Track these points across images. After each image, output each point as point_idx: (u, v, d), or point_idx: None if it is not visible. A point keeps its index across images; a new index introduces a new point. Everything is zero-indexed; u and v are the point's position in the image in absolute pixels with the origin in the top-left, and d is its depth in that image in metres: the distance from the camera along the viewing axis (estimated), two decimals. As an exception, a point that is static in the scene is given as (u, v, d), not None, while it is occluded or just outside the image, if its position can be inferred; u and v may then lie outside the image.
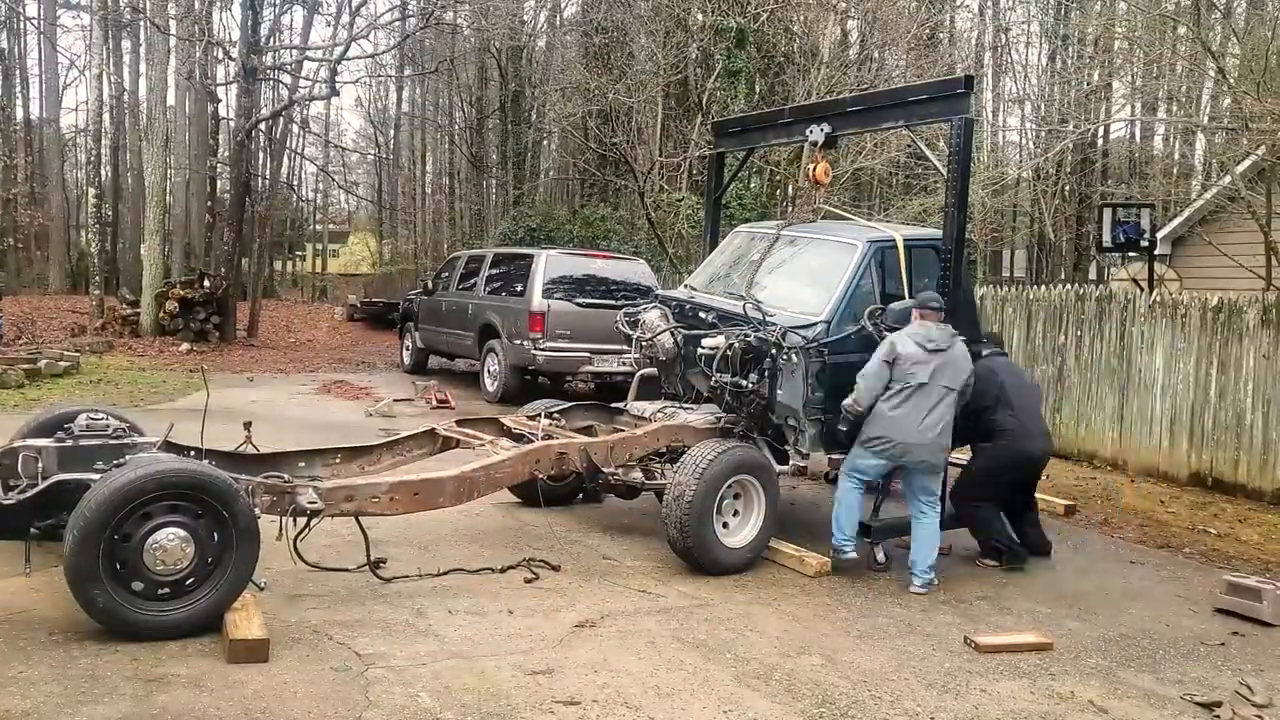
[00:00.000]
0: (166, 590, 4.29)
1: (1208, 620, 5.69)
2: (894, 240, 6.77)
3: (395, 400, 11.62)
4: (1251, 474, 8.77)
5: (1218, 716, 4.34)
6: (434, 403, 11.75)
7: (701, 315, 6.96)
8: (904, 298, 6.49)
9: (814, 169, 7.39)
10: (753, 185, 17.76)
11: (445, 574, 5.48)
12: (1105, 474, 9.73)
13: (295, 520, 4.85)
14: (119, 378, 12.98)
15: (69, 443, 4.89)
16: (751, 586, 5.71)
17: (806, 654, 4.72)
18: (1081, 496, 8.72)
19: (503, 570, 5.61)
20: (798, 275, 7.08)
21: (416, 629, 4.69)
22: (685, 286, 7.75)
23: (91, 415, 5.15)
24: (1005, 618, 5.49)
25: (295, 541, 4.86)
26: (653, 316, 7.11)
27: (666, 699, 4.11)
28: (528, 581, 5.47)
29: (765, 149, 15.38)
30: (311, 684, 4.00)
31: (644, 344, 7.06)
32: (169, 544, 4.25)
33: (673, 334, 6.96)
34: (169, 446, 5.18)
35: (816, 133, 7.24)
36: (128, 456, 4.73)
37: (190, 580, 4.34)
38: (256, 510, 4.65)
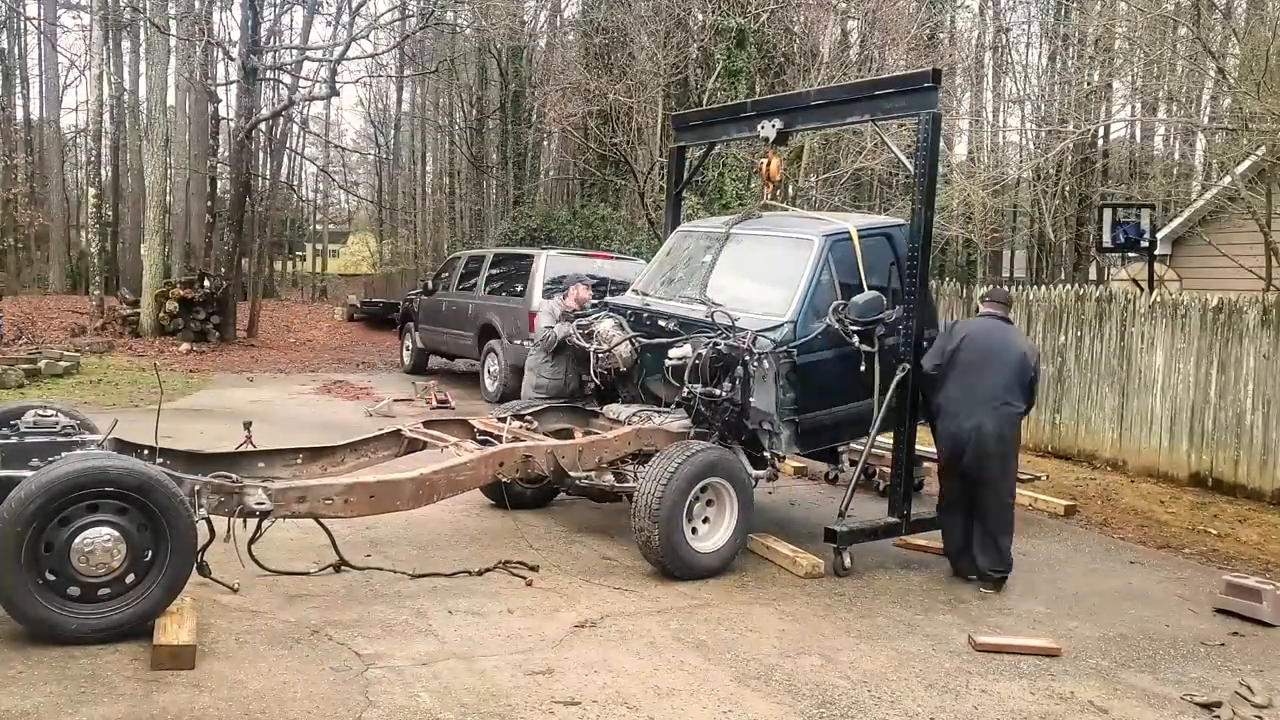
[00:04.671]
0: (79, 591, 4.14)
1: (1208, 620, 5.69)
2: (848, 232, 6.59)
3: (395, 400, 11.62)
4: (1251, 474, 8.76)
5: (1218, 717, 4.34)
6: (434, 403, 11.75)
7: (661, 323, 6.79)
8: (863, 289, 6.31)
9: (767, 165, 7.27)
10: (753, 185, 17.74)
11: (451, 575, 5.47)
12: (1105, 474, 9.72)
13: (245, 522, 4.74)
14: (119, 378, 12.98)
15: (14, 440, 4.77)
16: (751, 586, 5.70)
17: (806, 654, 4.72)
18: (1081, 497, 8.72)
19: (506, 570, 5.60)
20: (755, 275, 6.89)
21: (416, 629, 4.69)
22: (635, 292, 7.58)
23: (40, 412, 5.02)
24: (1005, 618, 5.49)
25: (250, 544, 4.77)
26: (607, 326, 6.98)
27: (666, 699, 4.11)
28: (528, 582, 5.47)
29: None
30: (311, 684, 4.00)
31: (601, 355, 6.93)
32: (97, 542, 4.12)
33: (631, 343, 6.85)
34: (119, 444, 5.01)
35: (768, 128, 7.07)
36: (63, 454, 4.53)
37: (125, 580, 4.20)
38: (202, 510, 4.55)
